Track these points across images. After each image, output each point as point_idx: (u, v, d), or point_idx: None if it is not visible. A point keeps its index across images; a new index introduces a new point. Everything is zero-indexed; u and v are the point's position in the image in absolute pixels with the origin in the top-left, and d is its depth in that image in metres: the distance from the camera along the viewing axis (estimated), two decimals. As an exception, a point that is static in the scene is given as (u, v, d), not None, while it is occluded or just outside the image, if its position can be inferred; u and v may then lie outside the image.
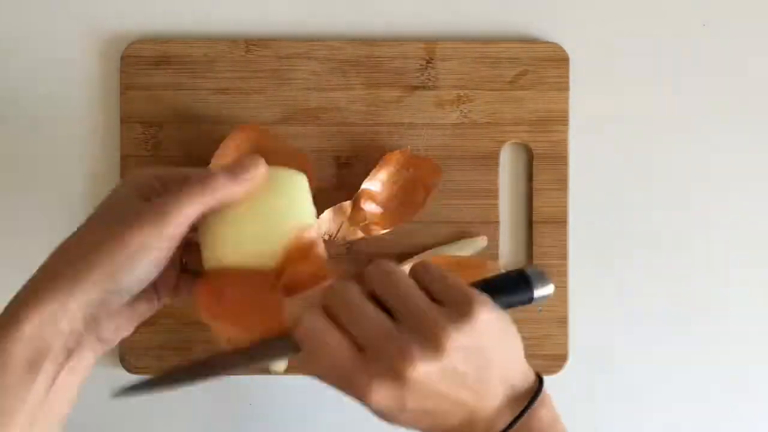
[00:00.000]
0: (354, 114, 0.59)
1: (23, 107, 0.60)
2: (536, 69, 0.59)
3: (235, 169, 0.44)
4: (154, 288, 0.47)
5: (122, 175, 0.59)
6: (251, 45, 0.59)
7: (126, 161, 0.59)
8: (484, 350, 0.42)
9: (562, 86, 0.59)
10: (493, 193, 0.59)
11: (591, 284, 0.60)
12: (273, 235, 0.45)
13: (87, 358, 0.44)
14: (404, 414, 0.42)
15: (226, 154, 0.56)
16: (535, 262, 0.59)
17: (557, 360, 0.59)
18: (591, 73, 0.60)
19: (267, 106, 0.59)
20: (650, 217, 0.60)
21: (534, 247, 0.59)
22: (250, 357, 0.44)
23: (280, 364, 0.57)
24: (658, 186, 0.61)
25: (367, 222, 0.57)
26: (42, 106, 0.60)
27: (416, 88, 0.59)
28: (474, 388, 0.42)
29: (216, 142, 0.58)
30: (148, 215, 0.42)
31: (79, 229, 0.45)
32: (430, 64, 0.59)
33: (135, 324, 0.47)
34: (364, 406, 0.42)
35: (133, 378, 0.58)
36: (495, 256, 0.59)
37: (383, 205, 0.58)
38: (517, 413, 0.43)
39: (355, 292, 0.42)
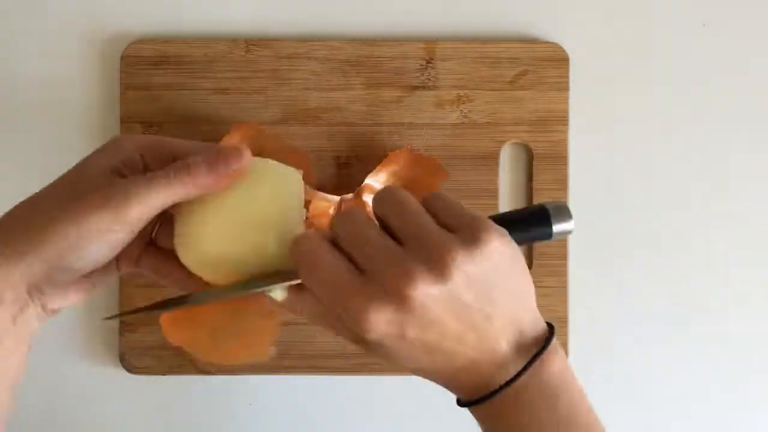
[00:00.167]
0: (354, 114, 0.59)
1: (23, 107, 0.60)
2: (536, 69, 0.59)
3: (217, 161, 0.40)
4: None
5: (122, 175, 0.59)
6: (251, 45, 0.59)
7: (126, 161, 0.59)
8: (492, 282, 0.39)
9: (562, 86, 0.59)
10: (493, 193, 0.59)
11: (591, 284, 0.60)
12: (255, 225, 0.42)
13: (32, 325, 0.41)
14: (403, 346, 0.39)
15: None
16: (535, 261, 0.59)
17: (557, 360, 0.59)
18: (591, 73, 0.60)
19: (267, 106, 0.59)
20: (650, 217, 0.60)
21: (534, 247, 0.59)
22: (245, 287, 0.42)
23: (279, 293, 0.50)
24: (658, 186, 0.61)
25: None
26: (42, 106, 0.60)
27: (416, 88, 0.59)
28: (478, 323, 0.39)
29: (216, 142, 0.58)
30: (110, 197, 0.39)
31: (47, 188, 0.42)
32: (430, 64, 0.59)
33: (87, 293, 0.43)
34: (361, 341, 0.40)
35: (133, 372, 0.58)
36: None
37: None
38: (526, 361, 0.41)
39: (358, 216, 0.40)
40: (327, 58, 0.59)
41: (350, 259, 0.39)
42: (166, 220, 0.44)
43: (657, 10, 0.61)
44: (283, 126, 0.59)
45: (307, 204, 0.45)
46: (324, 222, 0.55)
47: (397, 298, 0.38)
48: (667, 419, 0.60)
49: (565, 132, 0.59)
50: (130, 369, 0.59)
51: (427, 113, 0.59)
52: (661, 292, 0.60)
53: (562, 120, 0.59)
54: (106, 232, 0.39)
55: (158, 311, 0.43)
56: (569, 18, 0.61)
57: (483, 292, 0.39)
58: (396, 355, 0.41)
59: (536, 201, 0.59)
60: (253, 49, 0.59)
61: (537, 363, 0.41)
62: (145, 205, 0.39)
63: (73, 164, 0.57)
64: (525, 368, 0.41)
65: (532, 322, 0.42)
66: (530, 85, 0.59)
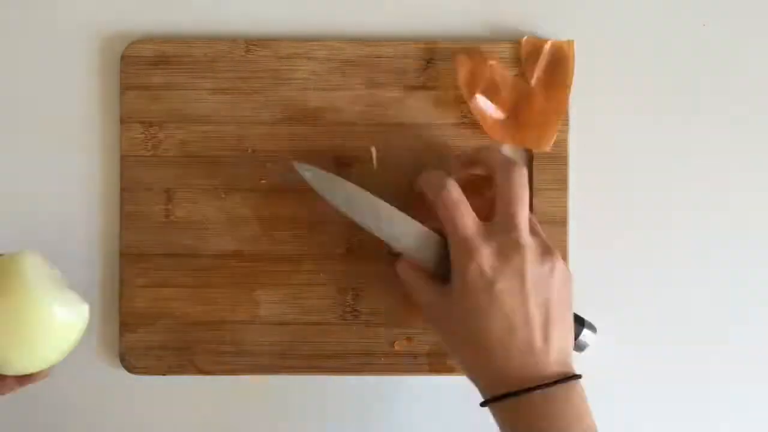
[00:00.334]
0: (354, 114, 0.59)
1: (23, 107, 0.60)
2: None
3: None
4: None
5: (122, 175, 0.59)
6: (251, 45, 0.59)
7: (126, 161, 0.59)
8: (566, 298, 0.50)
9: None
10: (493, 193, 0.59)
11: (591, 284, 0.60)
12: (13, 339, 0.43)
13: None
14: (483, 300, 0.48)
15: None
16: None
17: (557, 360, 0.59)
18: (591, 73, 0.60)
19: (267, 106, 0.59)
20: (650, 218, 0.60)
21: (534, 247, 0.59)
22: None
23: None
24: (658, 186, 0.61)
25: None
26: (42, 106, 0.60)
27: (416, 88, 0.59)
28: (546, 313, 0.48)
29: (216, 142, 0.58)
30: None
31: None
32: (430, 64, 0.59)
33: None
34: (459, 279, 0.49)
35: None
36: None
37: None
38: (566, 373, 0.48)
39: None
40: (327, 58, 0.59)
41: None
42: None
43: (657, 10, 0.61)
44: (283, 126, 0.59)
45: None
46: None
47: (510, 247, 0.49)
48: (668, 419, 0.60)
49: (565, 132, 0.59)
50: (130, 369, 0.59)
51: (427, 113, 0.59)
52: (661, 293, 0.60)
53: (562, 120, 0.59)
54: None
55: None
56: (569, 18, 0.60)
57: (562, 297, 0.50)
58: (473, 308, 0.49)
59: (536, 201, 0.59)
60: (253, 49, 0.59)
61: (568, 386, 0.47)
62: None
63: (73, 164, 0.57)
64: (564, 379, 0.48)
65: (569, 347, 0.50)
66: (530, 85, 0.59)
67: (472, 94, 0.57)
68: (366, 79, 0.59)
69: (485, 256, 0.49)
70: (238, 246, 0.59)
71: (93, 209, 0.58)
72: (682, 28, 0.61)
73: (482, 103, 0.58)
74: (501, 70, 0.58)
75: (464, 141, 0.59)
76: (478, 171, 0.55)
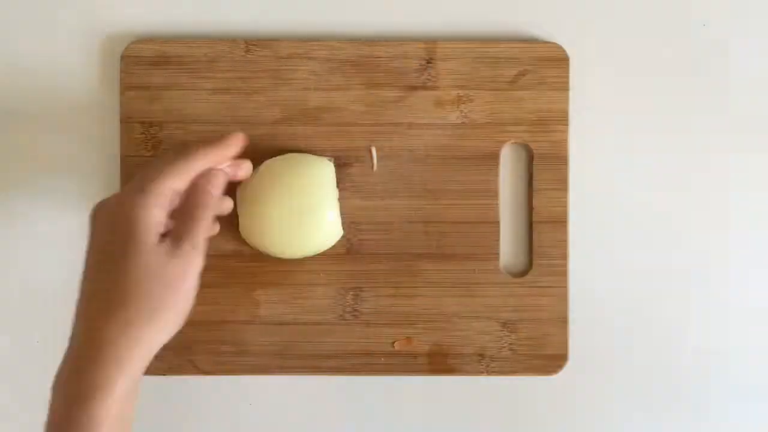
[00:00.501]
0: (354, 114, 0.59)
1: (23, 107, 0.60)
2: (536, 69, 0.59)
3: (212, 183, 0.50)
4: None
5: (122, 175, 0.59)
6: (251, 45, 0.59)
7: (126, 161, 0.59)
8: None
9: (562, 86, 0.59)
10: (493, 193, 0.59)
11: (591, 284, 0.60)
12: (302, 211, 0.55)
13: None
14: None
15: None
16: (535, 261, 0.59)
17: (557, 360, 0.59)
18: (591, 73, 0.60)
19: (267, 106, 0.59)
20: (650, 217, 0.60)
21: (534, 247, 0.59)
22: None
23: None
24: (658, 186, 0.61)
25: None
26: (42, 106, 0.60)
27: (416, 88, 0.59)
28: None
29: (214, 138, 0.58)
30: (179, 273, 0.48)
31: (124, 284, 0.47)
32: (430, 64, 0.59)
33: None
34: None
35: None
36: (495, 256, 0.59)
37: None
38: None
39: None
40: (327, 58, 0.59)
41: None
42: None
43: (657, 10, 0.61)
44: (283, 126, 0.59)
45: None
46: None
47: None
48: (668, 419, 0.60)
49: (565, 132, 0.59)
50: (130, 369, 0.59)
51: (427, 113, 0.59)
52: (661, 293, 0.60)
53: (562, 120, 0.59)
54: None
55: None
56: (569, 18, 0.61)
57: None
58: None
59: (536, 201, 0.59)
60: (253, 49, 0.59)
61: None
62: (201, 260, 0.50)
63: (73, 163, 0.57)
64: None
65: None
66: (530, 85, 0.59)
67: None
68: (366, 79, 0.59)
69: None
70: (238, 246, 0.59)
71: (93, 209, 0.58)
72: (682, 29, 0.61)
73: None
74: None
75: (464, 141, 0.59)
76: None
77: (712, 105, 0.61)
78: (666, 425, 0.61)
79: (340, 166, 0.59)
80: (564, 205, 0.59)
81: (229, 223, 0.58)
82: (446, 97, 0.59)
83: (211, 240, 0.59)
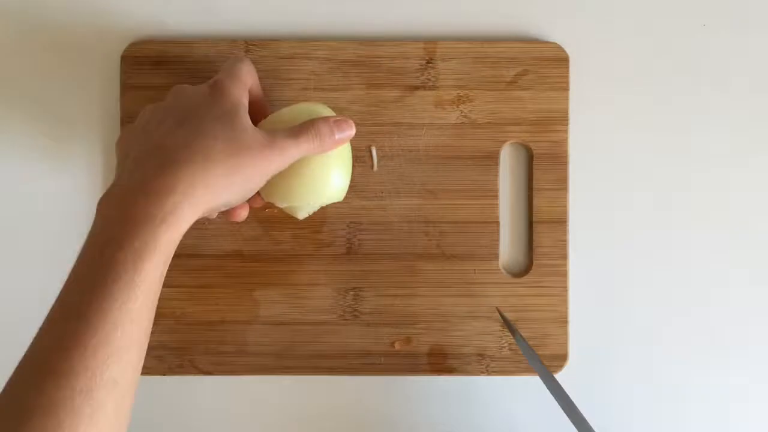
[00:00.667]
0: (354, 114, 0.59)
1: (23, 107, 0.60)
2: (536, 69, 0.59)
3: (341, 128, 0.53)
4: None
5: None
6: (251, 45, 0.59)
7: (126, 161, 0.59)
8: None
9: (562, 86, 0.59)
10: (493, 193, 0.59)
11: (591, 284, 0.60)
12: (324, 165, 0.53)
13: None
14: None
15: None
16: (535, 261, 0.59)
17: (557, 360, 0.59)
18: (591, 73, 0.60)
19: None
20: (650, 218, 0.61)
21: (534, 247, 0.59)
22: None
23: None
24: (658, 186, 0.61)
25: None
26: (42, 106, 0.60)
27: (416, 88, 0.59)
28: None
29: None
30: (272, 159, 0.50)
31: (216, 149, 0.48)
32: (430, 64, 0.59)
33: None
34: None
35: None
36: (495, 256, 0.59)
37: None
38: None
39: None
40: (327, 58, 0.59)
41: None
42: None
43: (657, 10, 0.61)
44: (283, 126, 0.59)
45: None
46: None
47: None
48: (667, 419, 0.60)
49: (565, 132, 0.59)
50: (130, 369, 0.59)
51: (427, 113, 0.59)
52: (661, 292, 0.60)
53: (562, 120, 0.59)
54: (262, 183, 0.51)
55: None
56: (569, 18, 0.61)
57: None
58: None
59: (536, 201, 0.59)
60: (253, 49, 0.59)
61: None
62: (291, 159, 0.51)
63: (72, 163, 0.57)
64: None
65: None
66: (530, 85, 0.59)
67: None
68: (366, 79, 0.59)
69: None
70: (238, 246, 0.59)
71: (94, 210, 0.58)
72: (682, 29, 0.61)
73: None
74: None
75: (464, 141, 0.59)
76: None
77: (712, 105, 0.61)
78: (666, 425, 0.61)
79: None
80: (564, 205, 0.59)
81: (229, 223, 0.58)
82: (446, 97, 0.59)
83: (211, 240, 0.59)
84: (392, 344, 0.59)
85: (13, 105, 0.60)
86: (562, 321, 0.59)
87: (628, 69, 0.61)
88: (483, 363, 0.59)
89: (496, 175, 0.59)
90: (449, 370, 0.59)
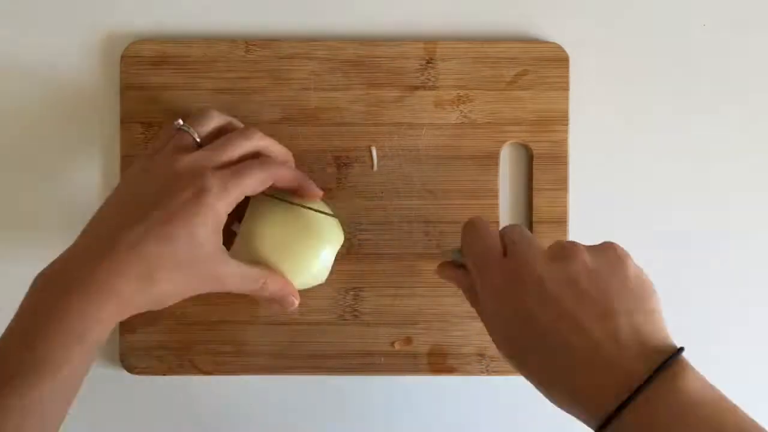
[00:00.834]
0: (354, 114, 0.59)
1: (23, 107, 0.60)
2: (536, 69, 0.59)
3: (286, 302, 0.53)
4: None
5: (122, 175, 0.59)
6: (251, 45, 0.59)
7: (126, 161, 0.59)
8: (608, 279, 0.43)
9: (562, 86, 0.59)
10: (493, 193, 0.59)
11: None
12: (301, 246, 0.53)
13: None
14: (525, 323, 0.43)
15: None
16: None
17: (557, 360, 0.59)
18: (591, 73, 0.60)
19: (267, 106, 0.59)
20: (650, 218, 0.61)
21: (534, 247, 0.59)
22: None
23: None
24: (658, 186, 0.61)
25: None
26: (42, 106, 0.60)
27: (416, 88, 0.59)
28: (597, 309, 0.42)
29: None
30: (224, 282, 0.50)
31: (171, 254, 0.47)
32: (430, 64, 0.59)
33: None
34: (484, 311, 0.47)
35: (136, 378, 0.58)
36: (495, 256, 0.59)
37: None
38: (653, 368, 0.39)
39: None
40: (327, 58, 0.59)
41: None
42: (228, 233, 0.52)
43: (657, 10, 0.61)
44: (283, 126, 0.59)
45: None
46: None
47: (522, 269, 0.45)
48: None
49: (565, 132, 0.59)
50: (130, 369, 0.59)
51: (427, 113, 0.59)
52: (661, 293, 0.60)
53: (562, 120, 0.59)
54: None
55: None
56: (569, 18, 0.61)
57: (600, 282, 0.43)
58: (521, 339, 0.44)
59: (536, 201, 0.59)
60: (253, 49, 0.59)
61: (668, 374, 0.39)
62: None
63: (73, 163, 0.57)
64: (653, 376, 0.39)
65: (654, 333, 0.42)
66: (530, 85, 0.59)
67: None
68: (366, 79, 0.59)
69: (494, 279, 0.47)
70: (238, 246, 0.59)
71: (93, 210, 0.58)
72: (682, 29, 0.61)
73: None
74: None
75: (464, 141, 0.59)
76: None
77: (712, 105, 0.61)
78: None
79: (340, 166, 0.59)
80: (564, 205, 0.59)
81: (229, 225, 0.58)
82: (446, 97, 0.59)
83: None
84: (392, 344, 0.59)
85: (12, 105, 0.60)
86: (562, 321, 0.59)
87: (628, 69, 0.61)
88: (483, 363, 0.59)
89: (496, 175, 0.59)
90: (449, 370, 0.59)
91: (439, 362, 0.59)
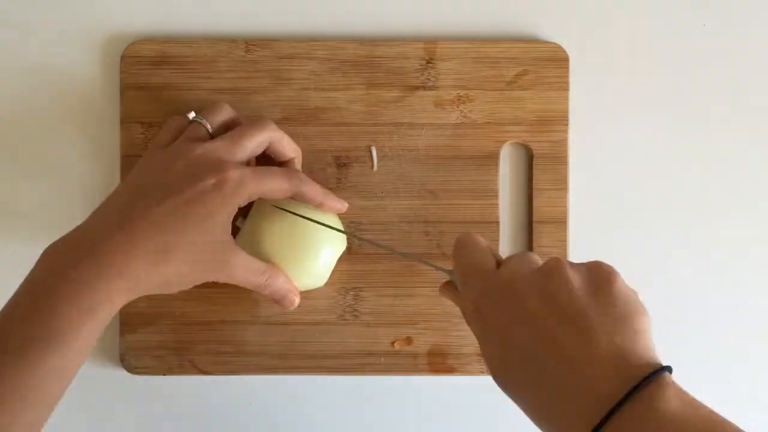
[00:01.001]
0: (354, 114, 0.59)
1: (23, 107, 0.60)
2: (536, 69, 0.59)
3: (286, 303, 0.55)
4: None
5: (122, 175, 0.59)
6: (251, 45, 0.59)
7: (126, 161, 0.59)
8: (591, 295, 0.42)
9: (562, 86, 0.59)
10: (493, 193, 0.59)
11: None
12: (303, 247, 0.55)
13: None
14: (496, 333, 0.43)
15: None
16: (535, 262, 0.59)
17: (557, 360, 0.59)
18: (591, 73, 0.60)
19: (267, 106, 0.59)
20: (650, 218, 0.61)
21: (534, 247, 0.59)
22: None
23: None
24: (658, 186, 0.61)
25: None
26: (42, 106, 0.60)
27: (416, 88, 0.59)
28: (574, 327, 0.40)
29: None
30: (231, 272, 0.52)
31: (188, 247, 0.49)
32: (430, 64, 0.59)
33: None
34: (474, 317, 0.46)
35: (136, 378, 0.58)
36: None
37: None
38: (628, 389, 0.38)
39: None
40: (327, 58, 0.59)
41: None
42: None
43: (657, 10, 0.61)
44: (283, 126, 0.59)
45: None
46: None
47: (503, 285, 0.44)
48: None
49: (565, 132, 0.59)
50: (130, 369, 0.59)
51: (427, 113, 0.59)
52: (660, 292, 0.60)
53: (562, 120, 0.59)
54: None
55: None
56: (569, 18, 0.61)
57: (579, 300, 0.41)
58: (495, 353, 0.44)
59: (536, 201, 0.59)
60: (253, 49, 0.59)
61: (644, 394, 0.38)
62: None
63: (73, 163, 0.57)
64: (627, 397, 0.38)
65: (636, 352, 0.40)
66: (530, 85, 0.59)
67: None
68: (366, 79, 0.59)
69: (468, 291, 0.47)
70: (238, 246, 0.59)
71: (93, 210, 0.58)
72: (682, 29, 0.61)
73: None
74: None
75: (464, 141, 0.59)
76: None
77: (712, 105, 0.61)
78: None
79: (340, 166, 0.59)
80: (564, 205, 0.59)
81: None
82: (446, 97, 0.59)
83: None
84: (392, 344, 0.59)
85: (12, 105, 0.60)
86: (562, 321, 0.59)
87: (628, 69, 0.61)
88: (483, 363, 0.59)
89: (496, 175, 0.59)
90: (449, 370, 0.59)
91: (439, 362, 0.59)
